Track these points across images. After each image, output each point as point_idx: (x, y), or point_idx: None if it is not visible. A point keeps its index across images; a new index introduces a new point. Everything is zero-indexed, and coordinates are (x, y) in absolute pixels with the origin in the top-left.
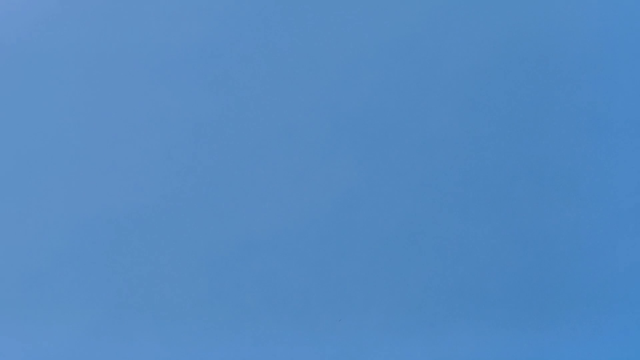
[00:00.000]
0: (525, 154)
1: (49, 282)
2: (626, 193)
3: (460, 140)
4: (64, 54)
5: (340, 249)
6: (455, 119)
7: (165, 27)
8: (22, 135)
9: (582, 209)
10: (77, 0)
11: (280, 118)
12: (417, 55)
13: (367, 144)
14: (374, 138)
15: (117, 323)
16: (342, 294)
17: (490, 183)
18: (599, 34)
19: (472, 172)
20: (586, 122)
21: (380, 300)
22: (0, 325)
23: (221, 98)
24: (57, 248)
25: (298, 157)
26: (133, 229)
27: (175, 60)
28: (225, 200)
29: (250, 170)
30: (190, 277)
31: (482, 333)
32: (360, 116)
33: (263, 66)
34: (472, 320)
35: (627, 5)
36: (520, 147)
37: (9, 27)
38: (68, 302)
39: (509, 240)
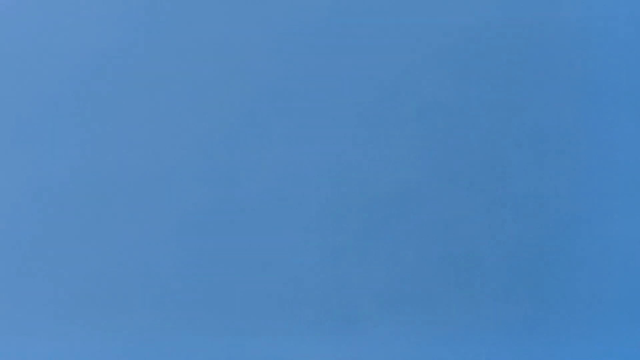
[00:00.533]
0: (523, 121)
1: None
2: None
3: (455, 107)
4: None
5: (336, 222)
6: (451, 84)
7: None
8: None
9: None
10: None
11: (278, 85)
12: (411, 18)
13: (362, 111)
14: (369, 104)
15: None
16: (336, 267)
17: (485, 151)
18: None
19: (467, 143)
20: (582, 87)
21: (373, 273)
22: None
23: (217, 63)
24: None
25: (291, 123)
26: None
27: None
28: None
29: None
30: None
31: (481, 332)
32: (357, 84)
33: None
34: (470, 317)
35: None
36: (516, 113)
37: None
38: (69, 302)
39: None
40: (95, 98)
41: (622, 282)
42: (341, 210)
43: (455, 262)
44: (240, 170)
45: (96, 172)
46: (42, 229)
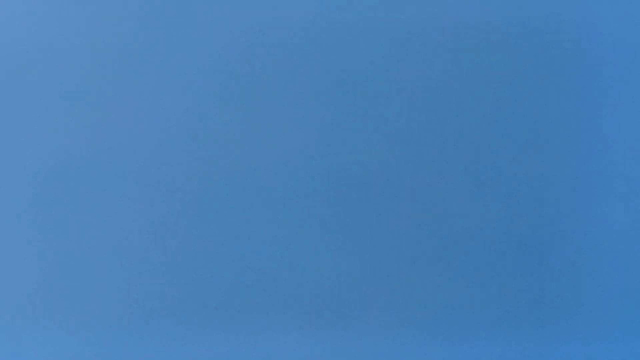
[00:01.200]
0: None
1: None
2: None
3: (452, 96)
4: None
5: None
6: (451, 83)
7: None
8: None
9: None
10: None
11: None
12: (411, 7)
13: (357, 96)
14: (362, 89)
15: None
16: (329, 254)
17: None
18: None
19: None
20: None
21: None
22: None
23: (211, 48)
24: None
25: (284, 107)
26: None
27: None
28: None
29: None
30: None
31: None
32: (354, 69)
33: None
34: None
35: None
36: (511, 107)
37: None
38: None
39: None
40: (92, 96)
41: (622, 282)
42: (338, 207)
43: (455, 262)
44: (233, 164)
45: (96, 172)
46: (42, 228)
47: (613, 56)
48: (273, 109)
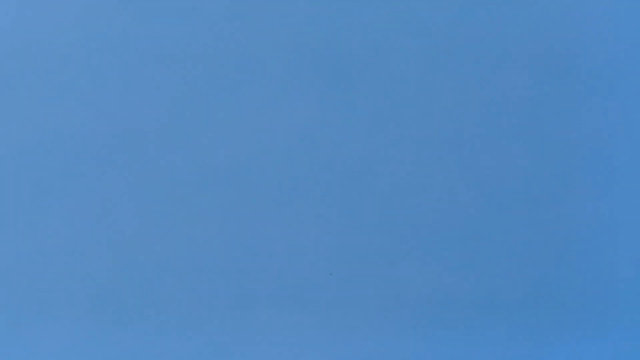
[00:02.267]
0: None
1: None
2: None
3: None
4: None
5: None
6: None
7: None
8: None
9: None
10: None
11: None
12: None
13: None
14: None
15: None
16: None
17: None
18: None
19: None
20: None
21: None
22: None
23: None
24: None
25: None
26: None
27: None
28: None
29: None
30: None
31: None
32: (349, 58)
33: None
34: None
35: None
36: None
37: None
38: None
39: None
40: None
41: (623, 281)
42: (347, 209)
43: (454, 262)
44: (236, 167)
45: (95, 174)
46: (41, 228)
47: (612, 56)
48: (267, 100)
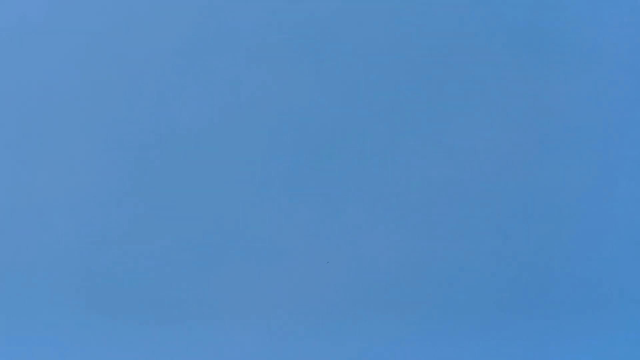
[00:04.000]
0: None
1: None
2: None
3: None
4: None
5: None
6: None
7: None
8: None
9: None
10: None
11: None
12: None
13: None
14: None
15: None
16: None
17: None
18: None
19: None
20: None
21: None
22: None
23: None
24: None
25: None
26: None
27: None
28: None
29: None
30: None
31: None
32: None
33: None
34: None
35: None
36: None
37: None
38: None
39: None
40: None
41: (622, 281)
42: (337, 204)
43: (452, 262)
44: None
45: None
46: (40, 227)
47: (612, 55)
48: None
